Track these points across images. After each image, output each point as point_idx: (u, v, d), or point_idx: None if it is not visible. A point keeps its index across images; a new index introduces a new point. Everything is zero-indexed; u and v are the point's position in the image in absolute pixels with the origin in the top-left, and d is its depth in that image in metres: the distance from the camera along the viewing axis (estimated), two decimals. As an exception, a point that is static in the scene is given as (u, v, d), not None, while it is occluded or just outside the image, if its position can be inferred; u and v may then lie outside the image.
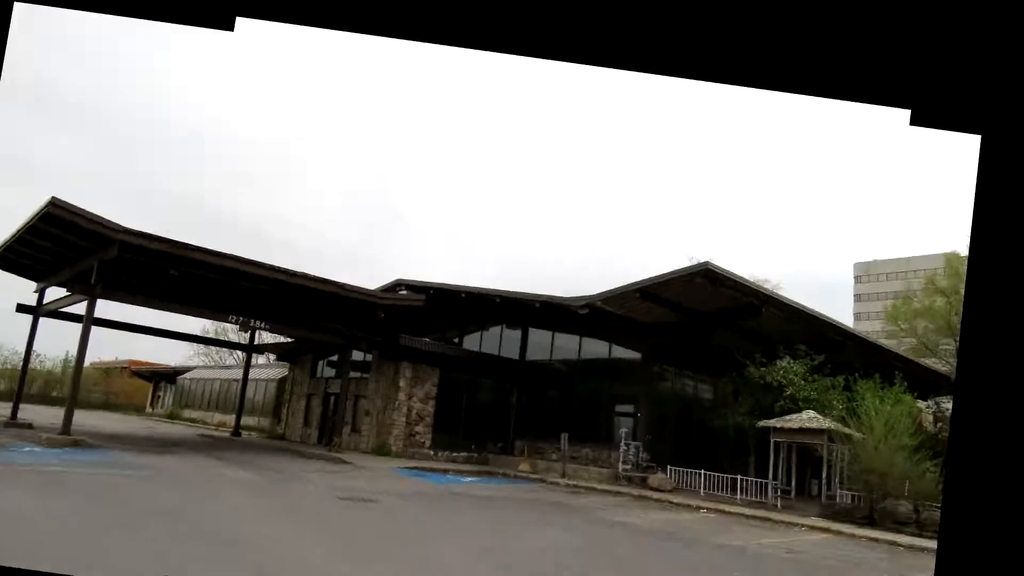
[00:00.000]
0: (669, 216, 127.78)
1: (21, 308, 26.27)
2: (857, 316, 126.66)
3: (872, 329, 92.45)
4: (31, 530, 7.70)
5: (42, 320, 26.85)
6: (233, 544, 8.04)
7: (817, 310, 24.65)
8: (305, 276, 22.98)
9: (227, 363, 61.42)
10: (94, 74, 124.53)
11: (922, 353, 41.85)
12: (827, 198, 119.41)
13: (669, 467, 24.31)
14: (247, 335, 35.24)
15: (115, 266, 21.59)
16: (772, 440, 21.85)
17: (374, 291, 27.15)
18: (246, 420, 39.76)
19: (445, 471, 23.34)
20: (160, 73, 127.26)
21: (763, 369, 24.30)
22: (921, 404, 26.31)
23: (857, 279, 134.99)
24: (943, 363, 40.90)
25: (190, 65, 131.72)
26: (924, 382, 30.67)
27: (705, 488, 22.86)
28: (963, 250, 43.09)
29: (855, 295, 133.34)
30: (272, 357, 45.18)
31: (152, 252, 20.36)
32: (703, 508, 19.26)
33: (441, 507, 14.44)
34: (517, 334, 31.78)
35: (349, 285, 23.98)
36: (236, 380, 42.56)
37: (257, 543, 8.27)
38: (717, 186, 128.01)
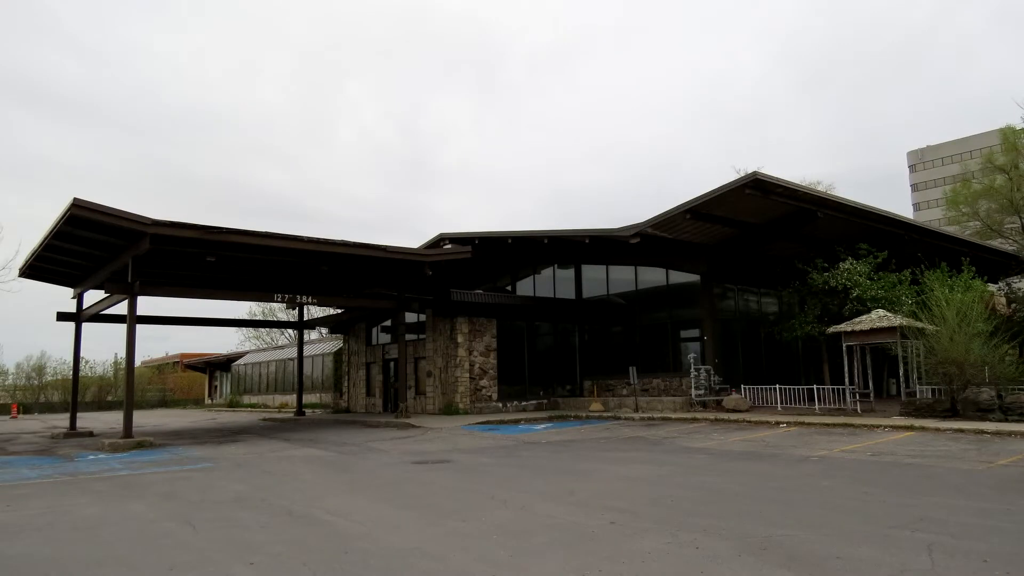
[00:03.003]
0: (708, 130, 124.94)
1: (62, 316, 27.04)
2: (916, 206, 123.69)
3: (933, 218, 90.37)
4: (109, 537, 8.34)
5: (86, 326, 27.67)
6: (313, 522, 8.75)
7: (875, 206, 24.60)
8: (346, 243, 23.41)
9: (280, 343, 63.57)
10: (96, 66, 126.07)
11: (987, 235, 41.25)
12: (870, 86, 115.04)
13: (743, 387, 24.94)
14: (295, 312, 36.64)
15: (150, 260, 22.32)
16: (844, 345, 22.20)
17: (418, 249, 27.81)
18: (308, 398, 41.64)
19: (516, 422, 24.38)
20: (164, 56, 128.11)
21: (826, 274, 24.52)
22: (992, 287, 26.27)
23: (912, 168, 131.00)
24: (1010, 242, 40.33)
25: (191, 42, 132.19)
26: (992, 264, 30.53)
27: (782, 403, 23.46)
28: (1019, 123, 41.87)
29: (912, 185, 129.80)
30: (324, 331, 46.68)
31: (185, 240, 20.55)
32: (782, 423, 19.91)
33: (517, 457, 15.23)
34: (570, 273, 32.45)
35: (392, 246, 24.54)
36: (291, 359, 44.36)
37: (336, 518, 8.99)
38: (751, 89, 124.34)
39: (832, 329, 22.68)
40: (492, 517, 8.68)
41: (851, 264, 24.24)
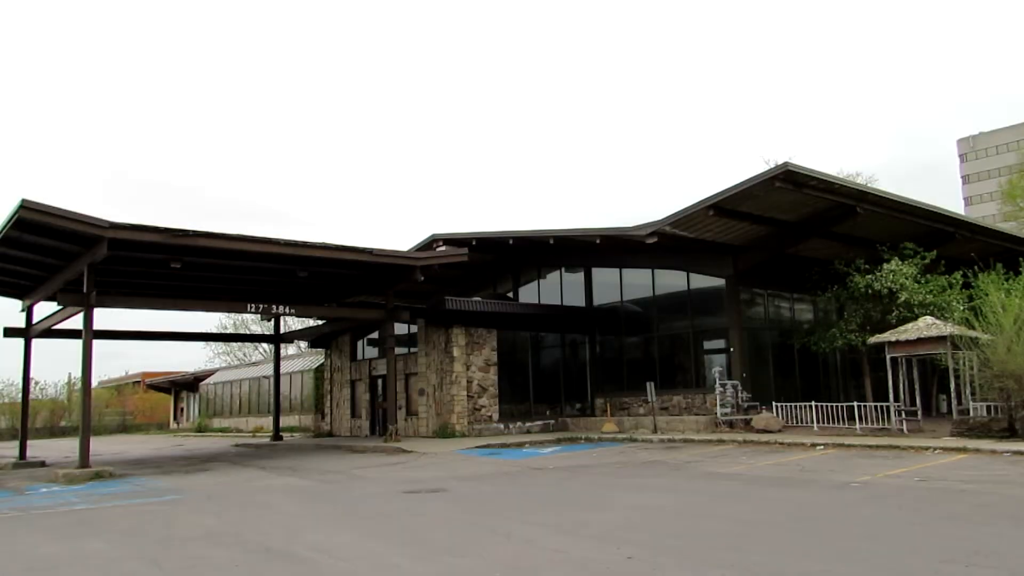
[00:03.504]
0: (735, 119, 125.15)
1: (9, 332, 26.98)
2: (968, 200, 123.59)
3: (987, 213, 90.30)
4: None
5: (38, 342, 27.51)
6: (292, 560, 8.76)
7: (921, 200, 24.62)
8: (326, 246, 23.42)
9: (254, 359, 63.64)
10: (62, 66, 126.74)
11: (1049, 232, 41.21)
12: (912, 71, 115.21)
13: (774, 404, 24.89)
14: (271, 324, 36.65)
15: (109, 267, 22.31)
16: (888, 356, 22.16)
17: (408, 252, 27.86)
18: (286, 420, 41.61)
19: (520, 445, 24.38)
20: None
21: (868, 277, 24.49)
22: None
23: (962, 158, 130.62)
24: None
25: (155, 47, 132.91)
26: (1056, 264, 30.39)
27: (818, 422, 23.40)
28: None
29: (962, 177, 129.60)
30: (304, 345, 46.69)
31: (148, 245, 20.55)
32: (819, 445, 19.90)
33: (519, 486, 15.23)
34: (579, 277, 32.45)
35: (378, 249, 24.53)
36: (267, 377, 44.39)
37: (318, 555, 8.99)
38: (783, 77, 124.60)
39: (874, 339, 22.63)
40: (494, 553, 8.69)
41: (897, 265, 24.21)
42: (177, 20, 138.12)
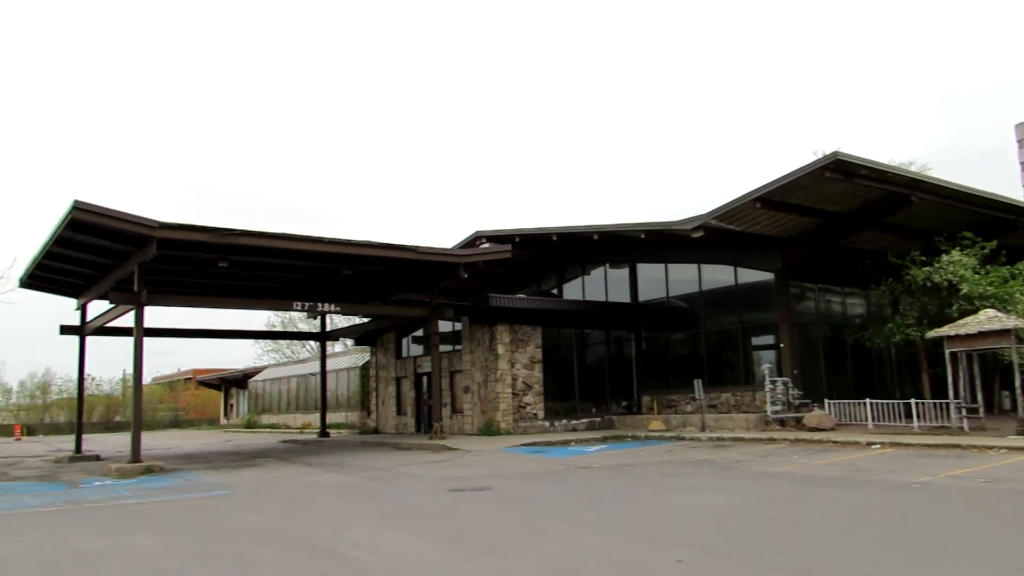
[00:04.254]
0: (779, 110, 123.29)
1: (65, 329, 27.76)
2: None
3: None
4: (111, 571, 8.38)
5: (92, 340, 28.39)
6: (336, 558, 8.66)
7: (979, 188, 23.80)
8: (371, 244, 23.53)
9: (301, 356, 64.33)
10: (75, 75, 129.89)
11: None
12: (964, 55, 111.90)
13: (826, 401, 24.35)
14: (317, 322, 36.98)
15: (158, 267, 22.64)
16: (947, 351, 21.49)
17: (452, 249, 27.84)
18: (332, 417, 41.96)
19: (566, 443, 24.16)
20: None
21: (926, 269, 23.79)
22: None
23: (1021, 143, 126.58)
24: None
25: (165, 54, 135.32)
26: None
27: (873, 420, 22.84)
28: None
29: (1021, 163, 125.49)
30: (349, 343, 47.06)
31: (195, 244, 20.96)
32: (874, 443, 19.33)
33: (567, 484, 15.03)
34: (624, 273, 32.11)
35: (423, 247, 24.57)
36: (314, 374, 44.81)
37: (362, 552, 8.89)
38: (828, 65, 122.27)
39: (932, 333, 21.97)
40: (539, 554, 8.48)
41: (956, 256, 23.47)
42: (210, 20, 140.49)
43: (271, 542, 9.83)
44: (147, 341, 21.90)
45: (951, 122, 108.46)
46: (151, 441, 38.09)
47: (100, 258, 22.64)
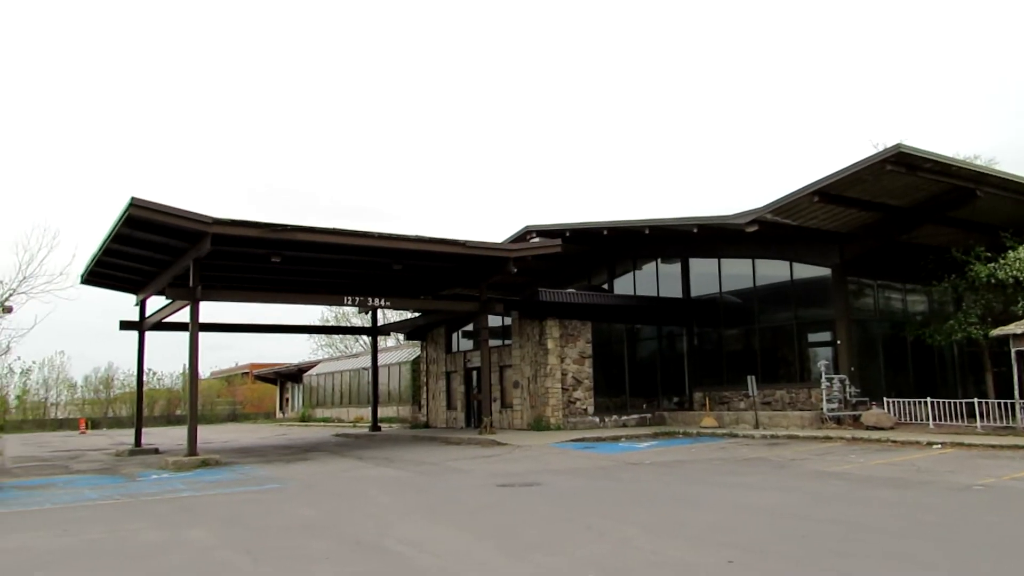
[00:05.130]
0: (838, 102, 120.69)
1: (125, 325, 28.40)
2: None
3: None
4: (162, 567, 8.44)
5: (153, 335, 29.01)
6: (382, 553, 8.67)
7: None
8: (420, 239, 23.58)
9: (354, 351, 65.03)
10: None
11: None
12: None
13: (885, 400, 23.76)
14: (368, 316, 37.32)
15: (213, 262, 23.06)
16: (1013, 350, 20.81)
17: (501, 244, 27.83)
18: (384, 411, 42.33)
19: (616, 439, 23.98)
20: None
21: (991, 265, 23.06)
22: None
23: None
24: None
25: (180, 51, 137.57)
26: None
27: (934, 419, 22.23)
28: None
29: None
30: (401, 337, 47.41)
31: (248, 240, 21.19)
32: (935, 443, 18.78)
33: (616, 481, 14.89)
34: (676, 268, 31.74)
35: (472, 241, 24.58)
36: (366, 368, 45.27)
37: (408, 548, 8.88)
38: (889, 54, 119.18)
39: (998, 331, 21.29)
40: (587, 552, 8.40)
41: (1023, 252, 22.72)
42: (268, 17, 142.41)
43: (320, 536, 9.90)
44: (204, 336, 22.26)
45: (1012, 116, 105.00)
46: (208, 435, 38.89)
47: (157, 254, 23.08)
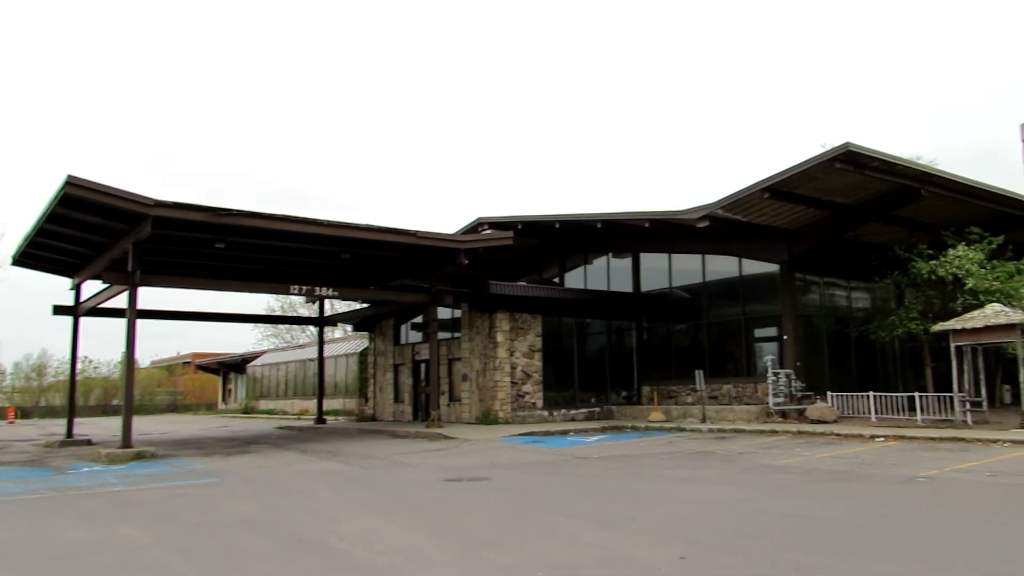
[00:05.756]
0: (784, 103, 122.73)
1: (59, 310, 27.20)
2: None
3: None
4: (86, 569, 7.99)
5: (90, 321, 27.86)
6: (325, 551, 8.38)
7: (989, 183, 23.51)
8: (370, 228, 23.19)
9: (300, 341, 64.04)
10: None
11: None
12: (967, 53, 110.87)
13: (829, 394, 24.10)
14: (315, 306, 36.67)
15: (154, 247, 22.31)
16: (952, 345, 21.29)
17: (452, 235, 27.50)
18: (330, 403, 41.74)
19: (564, 433, 23.87)
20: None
21: (932, 263, 23.52)
22: None
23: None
24: None
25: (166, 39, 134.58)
26: None
27: (876, 413, 22.65)
28: None
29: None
30: (348, 328, 46.82)
31: (192, 224, 20.60)
32: (878, 436, 19.07)
33: (565, 475, 14.75)
34: (627, 263, 31.78)
35: (423, 231, 24.29)
36: (313, 359, 44.59)
37: (352, 546, 8.61)
38: (832, 59, 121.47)
39: (939, 326, 21.73)
40: (536, 548, 8.20)
41: (962, 250, 23.20)
42: (222, 9, 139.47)
43: (259, 533, 9.54)
44: (146, 324, 21.57)
45: (950, 120, 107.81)
46: (146, 425, 37.86)
47: (94, 236, 22.21)
